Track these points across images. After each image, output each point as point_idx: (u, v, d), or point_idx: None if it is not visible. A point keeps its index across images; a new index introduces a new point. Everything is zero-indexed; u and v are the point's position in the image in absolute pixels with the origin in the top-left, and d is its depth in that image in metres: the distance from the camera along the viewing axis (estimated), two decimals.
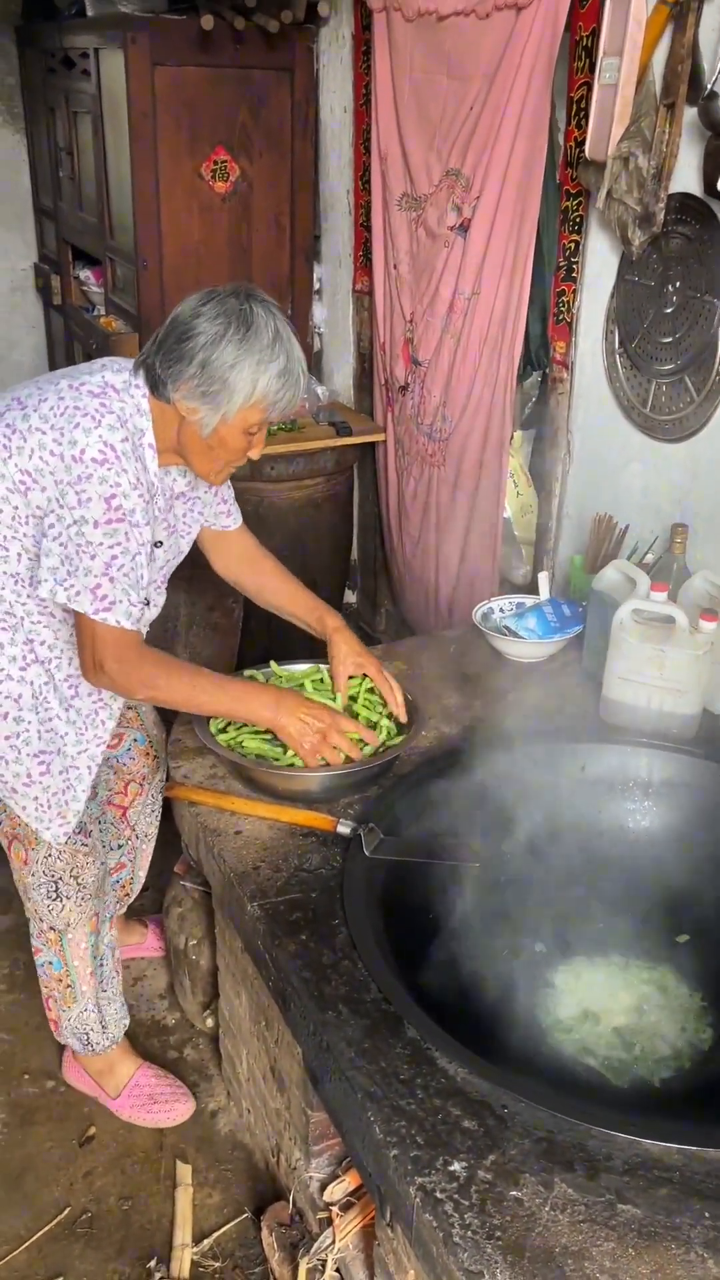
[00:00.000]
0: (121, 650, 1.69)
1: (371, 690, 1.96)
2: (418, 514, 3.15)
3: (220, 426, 1.67)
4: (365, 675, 1.96)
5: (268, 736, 1.85)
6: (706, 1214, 1.16)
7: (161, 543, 1.86)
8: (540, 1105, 1.26)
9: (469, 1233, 1.14)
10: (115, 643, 1.68)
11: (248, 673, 2.02)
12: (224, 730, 1.88)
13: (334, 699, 1.93)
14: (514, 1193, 1.18)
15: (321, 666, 2.03)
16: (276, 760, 1.81)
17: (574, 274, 2.40)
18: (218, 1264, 1.80)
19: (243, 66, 3.22)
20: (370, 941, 1.49)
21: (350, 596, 3.89)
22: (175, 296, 3.31)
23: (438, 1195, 1.17)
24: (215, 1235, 1.84)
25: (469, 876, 1.67)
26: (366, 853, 1.64)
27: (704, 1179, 1.20)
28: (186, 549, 1.97)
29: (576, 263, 2.39)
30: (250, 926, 1.58)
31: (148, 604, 1.92)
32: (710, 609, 1.96)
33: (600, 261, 2.32)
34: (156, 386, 1.67)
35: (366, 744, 1.83)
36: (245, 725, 1.88)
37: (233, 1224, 1.86)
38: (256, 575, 2.06)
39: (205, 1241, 1.83)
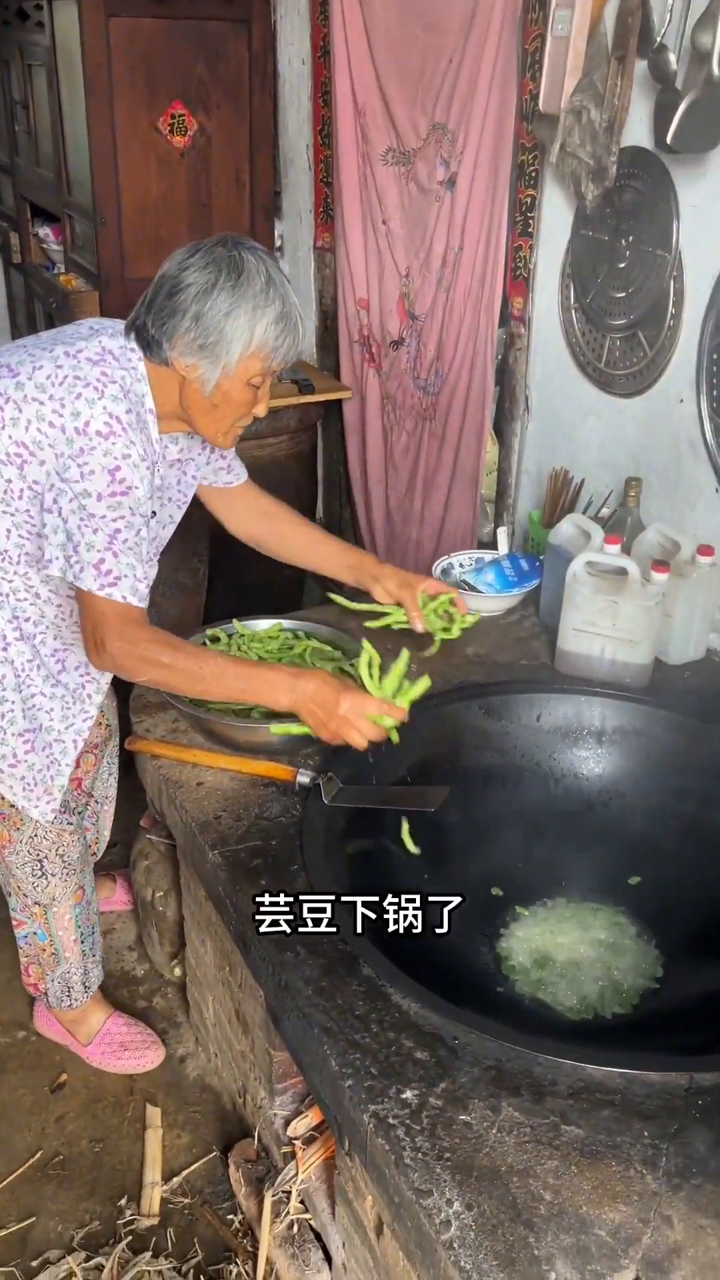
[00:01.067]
0: (125, 627, 1.61)
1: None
2: (407, 470, 3.16)
3: (222, 380, 1.62)
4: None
5: None
6: (646, 1133, 1.22)
7: (155, 513, 1.81)
8: (489, 1036, 1.31)
9: (419, 1155, 1.19)
10: (119, 618, 1.61)
11: (209, 631, 2.04)
12: None
13: (376, 685, 1.79)
14: (463, 1117, 1.23)
15: (283, 623, 2.05)
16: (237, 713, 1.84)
17: (530, 229, 2.41)
18: (187, 1200, 1.85)
19: (199, 18, 3.18)
20: (328, 884, 1.53)
21: None
22: (135, 253, 3.31)
23: (390, 1121, 1.22)
24: (184, 1174, 1.90)
25: (425, 823, 1.72)
26: (325, 801, 1.67)
27: (644, 1100, 1.26)
28: (179, 517, 1.93)
29: (532, 217, 2.40)
30: (212, 874, 1.62)
31: None
32: (662, 560, 2.00)
33: (555, 216, 2.34)
34: (150, 348, 1.63)
35: (389, 719, 1.68)
36: None
37: (201, 1162, 1.92)
38: (274, 528, 2.01)
39: (174, 1180, 1.89)
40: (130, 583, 1.61)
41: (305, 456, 3.42)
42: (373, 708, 1.67)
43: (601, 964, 1.66)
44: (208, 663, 1.67)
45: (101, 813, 2.33)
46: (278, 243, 3.59)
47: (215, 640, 2.02)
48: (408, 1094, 1.26)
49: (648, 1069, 1.28)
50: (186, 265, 1.61)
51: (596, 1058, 1.29)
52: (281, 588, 3.48)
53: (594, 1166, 1.18)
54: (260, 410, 1.72)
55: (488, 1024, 1.33)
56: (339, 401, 3.43)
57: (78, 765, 2.19)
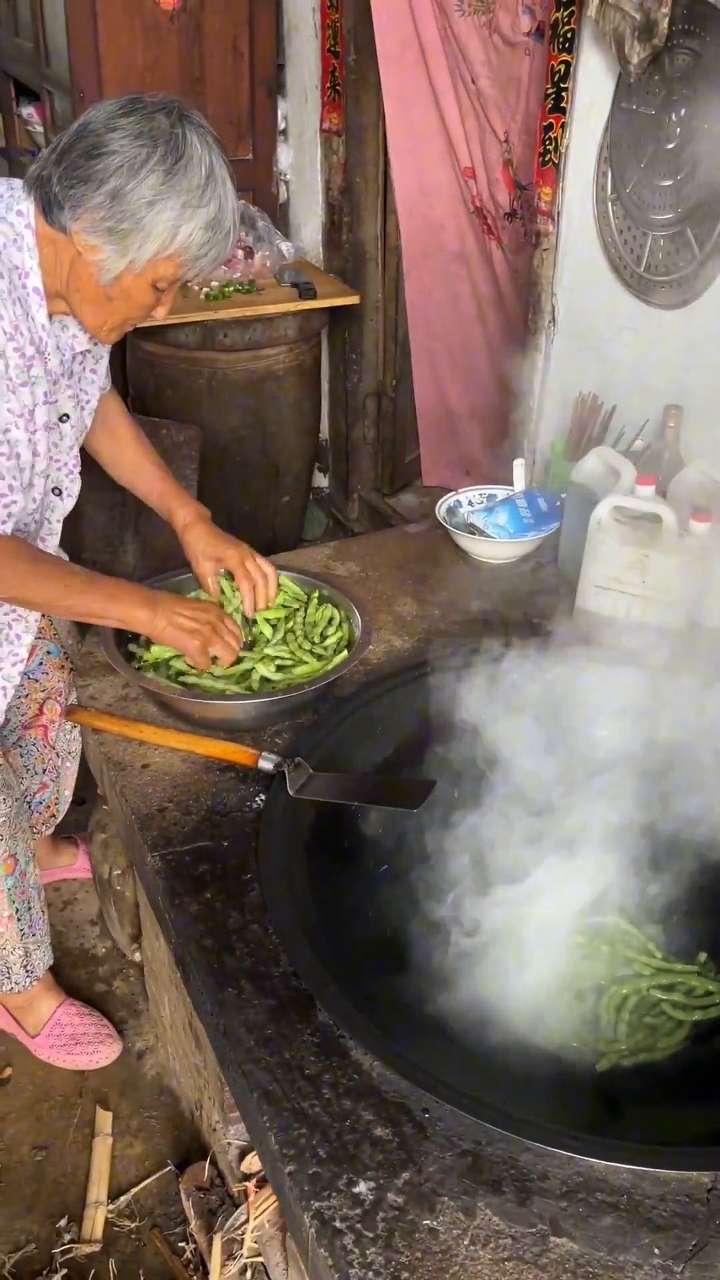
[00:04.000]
0: None
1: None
2: None
3: (125, 275, 1.36)
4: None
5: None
6: (656, 1249, 0.98)
7: (69, 415, 1.57)
8: (466, 1111, 1.07)
9: (370, 1273, 0.95)
10: None
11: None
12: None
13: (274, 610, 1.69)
14: (428, 1222, 0.99)
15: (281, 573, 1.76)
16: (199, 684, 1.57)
17: (563, 103, 2.03)
18: (133, 1224, 1.65)
19: None
20: (284, 902, 1.28)
21: (320, 480, 3.59)
22: None
23: (337, 1225, 0.99)
24: (133, 1191, 1.70)
25: (409, 821, 1.46)
26: (290, 792, 1.41)
27: (656, 1204, 1.01)
28: (90, 421, 1.67)
29: (566, 89, 2.02)
30: (151, 880, 1.37)
31: (59, 493, 1.64)
32: (703, 508, 1.69)
33: (593, 87, 1.96)
34: (51, 209, 1.34)
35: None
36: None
37: (153, 1179, 1.72)
38: (110, 441, 1.74)
39: (122, 1199, 1.69)
40: None
41: (307, 370, 3.08)
42: (233, 625, 1.60)
43: (625, 994, 1.40)
44: (70, 580, 1.49)
45: (64, 770, 2.08)
46: (281, 125, 3.20)
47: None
48: (361, 1187, 1.02)
49: (659, 1165, 1.03)
50: (116, 126, 1.31)
51: (597, 1148, 1.04)
52: (278, 513, 3.18)
53: None
54: (160, 314, 1.45)
55: (465, 1095, 1.08)
56: (346, 309, 3.08)
57: (41, 713, 1.96)
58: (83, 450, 1.68)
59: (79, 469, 1.63)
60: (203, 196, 1.32)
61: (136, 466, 1.76)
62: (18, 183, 1.40)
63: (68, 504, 1.66)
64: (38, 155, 3.68)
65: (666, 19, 1.70)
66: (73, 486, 1.65)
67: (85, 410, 1.63)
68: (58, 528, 1.68)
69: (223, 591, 1.71)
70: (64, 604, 1.51)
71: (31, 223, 1.36)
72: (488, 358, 3.06)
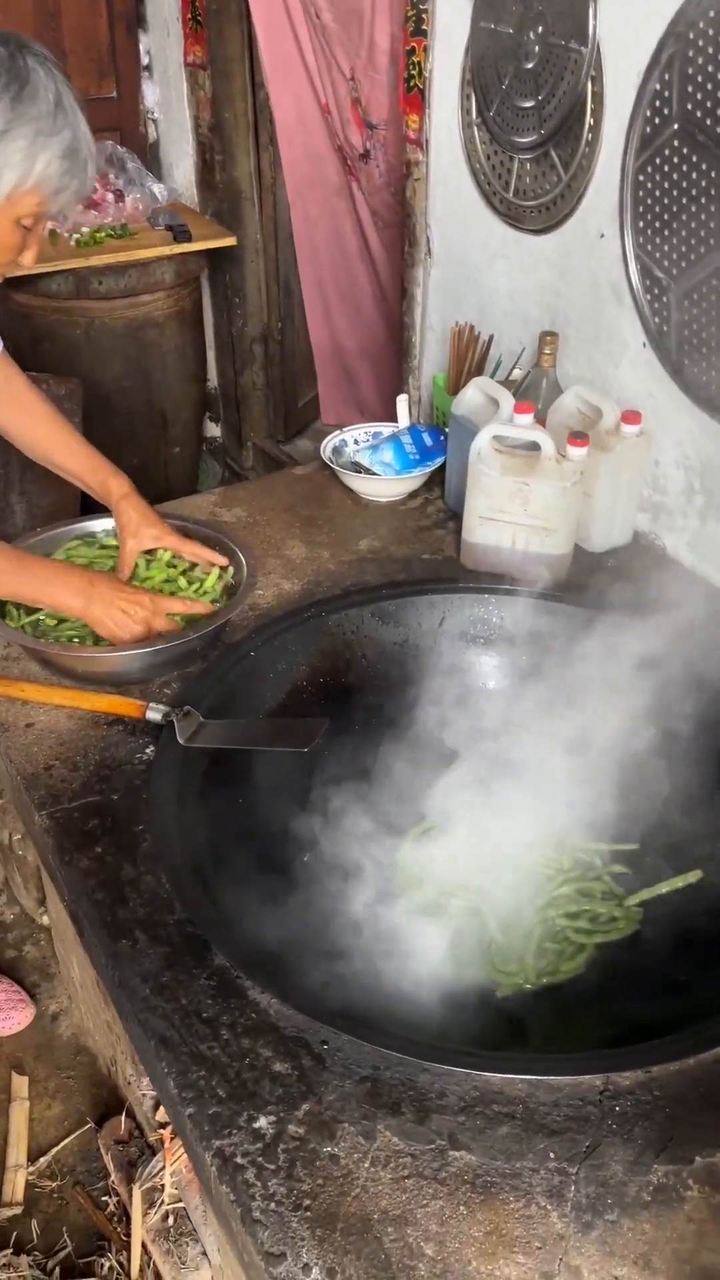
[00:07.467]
0: None
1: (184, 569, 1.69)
2: None
3: None
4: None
5: None
6: (551, 1154, 1.00)
7: None
8: (363, 1039, 1.08)
9: (272, 1204, 0.96)
10: None
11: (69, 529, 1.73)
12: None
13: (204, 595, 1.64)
14: (328, 1149, 1.00)
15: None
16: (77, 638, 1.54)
17: (424, 25, 1.99)
18: (55, 1183, 1.65)
19: None
20: (175, 850, 1.27)
21: (213, 430, 3.53)
22: None
23: (238, 1160, 0.99)
24: (54, 1151, 1.69)
25: (303, 761, 1.45)
26: (181, 741, 1.39)
27: (550, 1110, 1.04)
28: None
29: (426, 11, 1.97)
30: (40, 839, 1.35)
31: None
32: (579, 432, 1.70)
33: (452, 7, 1.92)
34: None
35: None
36: None
37: (73, 1137, 1.71)
38: (21, 416, 1.69)
39: (42, 1159, 1.68)
40: None
41: (188, 316, 3.01)
42: (178, 606, 1.56)
43: (508, 915, 1.42)
44: (2, 562, 1.46)
45: None
46: (144, 60, 3.08)
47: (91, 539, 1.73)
48: (261, 1121, 1.02)
49: (553, 1073, 1.05)
50: None
51: (491, 1063, 1.06)
52: (170, 464, 3.12)
53: (487, 1204, 0.96)
54: (28, 259, 1.39)
55: (361, 1023, 1.09)
56: (224, 251, 3.01)
57: None
58: None
59: None
60: (54, 124, 1.28)
61: (57, 441, 1.70)
62: None
63: None
64: None
65: None
66: None
67: None
68: None
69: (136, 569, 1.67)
70: None
71: None
72: (371, 295, 3.03)
